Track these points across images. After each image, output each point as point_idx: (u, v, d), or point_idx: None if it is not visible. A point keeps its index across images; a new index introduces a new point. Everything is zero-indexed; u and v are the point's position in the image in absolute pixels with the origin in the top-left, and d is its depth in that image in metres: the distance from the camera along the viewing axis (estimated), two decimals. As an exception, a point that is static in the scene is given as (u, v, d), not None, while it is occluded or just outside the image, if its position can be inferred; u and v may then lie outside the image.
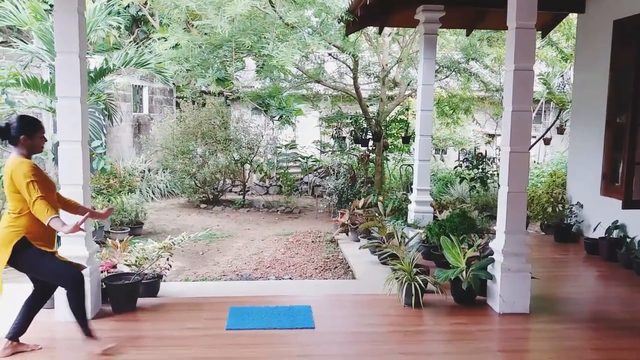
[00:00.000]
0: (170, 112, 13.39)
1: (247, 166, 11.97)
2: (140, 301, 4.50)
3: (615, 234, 6.32)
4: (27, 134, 3.38)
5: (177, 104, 13.86)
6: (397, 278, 4.64)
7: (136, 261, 4.79)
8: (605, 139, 6.61)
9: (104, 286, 4.42)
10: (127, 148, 12.55)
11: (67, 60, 4.08)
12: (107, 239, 6.09)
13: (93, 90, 8.03)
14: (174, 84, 12.48)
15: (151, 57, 8.25)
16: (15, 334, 3.58)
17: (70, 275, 3.54)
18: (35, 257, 3.45)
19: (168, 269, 5.10)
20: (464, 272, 4.58)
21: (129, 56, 7.96)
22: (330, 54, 10.93)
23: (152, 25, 12.18)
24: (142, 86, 13.43)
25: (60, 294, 4.13)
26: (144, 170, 11.64)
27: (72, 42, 4.06)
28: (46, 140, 3.54)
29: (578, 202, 7.23)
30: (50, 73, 8.16)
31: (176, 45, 8.35)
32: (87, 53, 6.88)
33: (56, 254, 3.61)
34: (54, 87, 4.39)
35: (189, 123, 11.20)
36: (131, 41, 11.42)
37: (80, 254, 4.15)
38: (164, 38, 8.08)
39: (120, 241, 5.44)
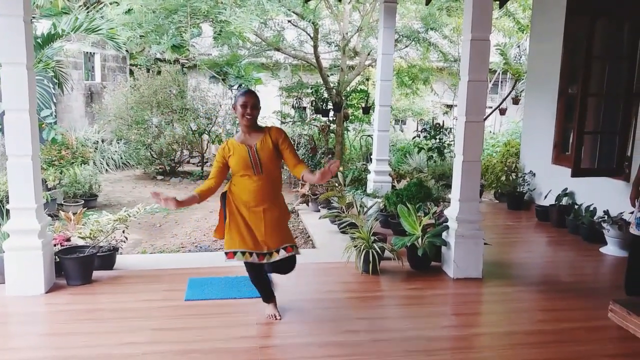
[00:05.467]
0: (124, 80, 12.96)
1: (206, 137, 11.78)
2: (96, 274, 4.42)
3: (564, 201, 6.57)
4: (234, 104, 3.44)
5: (131, 72, 13.42)
6: (355, 246, 4.71)
7: (90, 234, 4.69)
8: (558, 109, 6.79)
9: (58, 260, 4.31)
10: (79, 118, 12.11)
11: (10, 24, 3.86)
12: (60, 211, 5.93)
13: (41, 57, 7.67)
14: (127, 50, 12.03)
15: (103, 23, 7.90)
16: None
17: None
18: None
19: (124, 242, 5.01)
20: (419, 239, 4.69)
21: (79, 21, 7.60)
22: (289, 21, 10.75)
23: (103, -11, 11.65)
24: (94, 53, 12.91)
25: (10, 269, 4.02)
26: (98, 141, 11.29)
27: (16, 4, 3.83)
28: (245, 109, 3.34)
29: (531, 171, 7.46)
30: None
31: (129, 10, 8.03)
32: (33, 17, 6.54)
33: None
34: (-3, 53, 4.16)
35: (144, 92, 10.88)
36: (81, 5, 10.87)
37: (31, 227, 4.03)
38: (116, 2, 7.76)
39: (74, 214, 5.32)
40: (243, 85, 11.19)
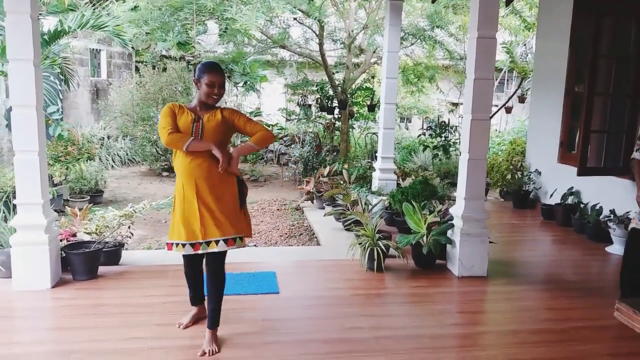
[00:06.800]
0: (130, 77, 12.98)
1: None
2: (102, 269, 4.44)
3: (570, 200, 6.55)
4: (197, 77, 3.14)
5: (137, 69, 13.43)
6: (360, 243, 4.71)
7: (96, 229, 4.71)
8: (564, 108, 6.77)
9: (64, 255, 4.33)
10: (85, 114, 12.15)
11: (18, 20, 3.87)
12: (66, 207, 5.96)
13: (47, 54, 7.70)
14: (133, 47, 12.04)
15: (109, 20, 7.92)
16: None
17: None
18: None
19: (130, 237, 5.03)
20: (424, 237, 4.68)
21: (85, 18, 7.62)
22: (295, 19, 10.73)
23: (110, -14, 11.66)
24: (100, 50, 12.94)
25: (16, 264, 4.05)
26: (103, 137, 11.32)
27: (23, 1, 3.84)
28: (212, 89, 3.09)
29: (536, 170, 7.44)
30: (0, 35, 7.77)
31: (135, 7, 8.06)
32: (40, 14, 6.57)
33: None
34: (5, 50, 4.19)
35: (149, 88, 10.89)
36: (87, 2, 10.91)
37: (37, 222, 4.05)
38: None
39: (80, 209, 5.34)
40: (250, 81, 11.15)
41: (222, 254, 3.19)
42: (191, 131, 3.11)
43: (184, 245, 3.14)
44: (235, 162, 3.16)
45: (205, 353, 3.15)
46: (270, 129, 3.49)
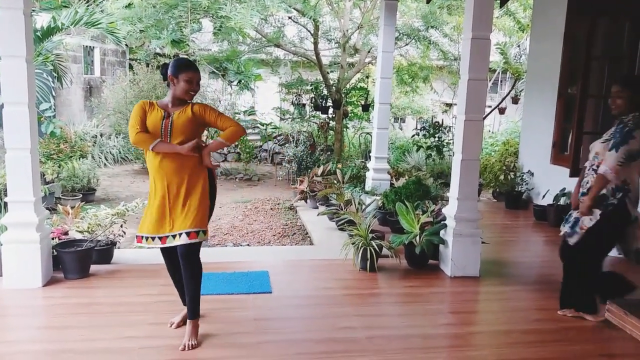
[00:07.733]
0: (123, 74, 12.94)
1: (205, 132, 11.75)
2: (94, 268, 4.42)
3: (562, 201, 6.57)
4: (173, 74, 3.12)
5: (130, 67, 13.39)
6: (353, 243, 4.71)
7: (88, 228, 4.69)
8: (557, 109, 6.80)
9: (55, 253, 4.30)
10: (78, 112, 12.09)
11: (10, 16, 3.84)
12: (58, 205, 5.93)
13: (40, 50, 7.66)
14: (126, 45, 12.00)
15: (102, 17, 7.89)
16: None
17: None
18: None
19: (122, 236, 5.01)
20: (417, 237, 4.69)
21: (79, 15, 7.59)
22: (290, 18, 10.73)
23: (104, -17, 11.59)
24: (94, 47, 12.88)
25: (7, 262, 4.02)
26: (96, 135, 11.27)
27: (15, -4, 3.83)
28: (191, 85, 3.11)
29: (529, 171, 7.47)
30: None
31: (129, 4, 8.02)
32: (33, 10, 6.53)
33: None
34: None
35: (143, 86, 10.86)
36: (81, -1, 10.87)
37: (29, 220, 4.03)
38: (116, -4, 7.74)
39: (72, 207, 5.31)
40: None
41: (192, 246, 3.17)
42: (160, 128, 3.12)
43: (153, 238, 3.19)
44: (207, 156, 3.22)
45: (185, 347, 3.19)
46: (241, 123, 3.53)
